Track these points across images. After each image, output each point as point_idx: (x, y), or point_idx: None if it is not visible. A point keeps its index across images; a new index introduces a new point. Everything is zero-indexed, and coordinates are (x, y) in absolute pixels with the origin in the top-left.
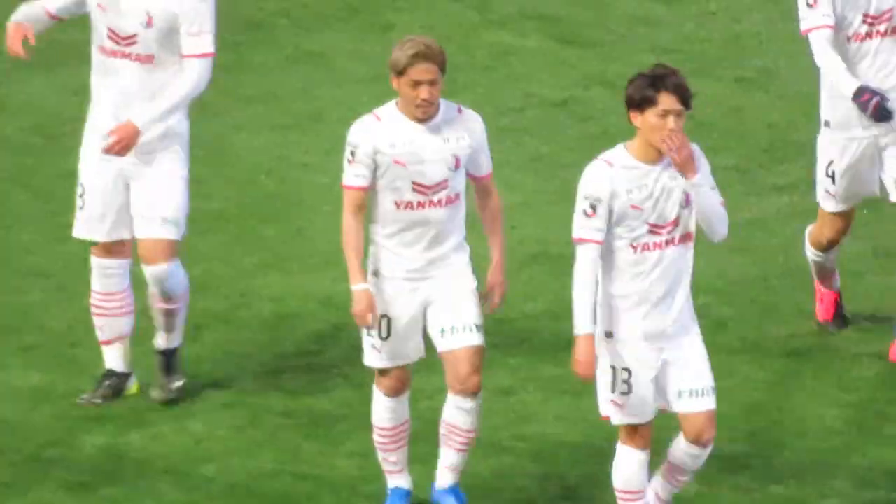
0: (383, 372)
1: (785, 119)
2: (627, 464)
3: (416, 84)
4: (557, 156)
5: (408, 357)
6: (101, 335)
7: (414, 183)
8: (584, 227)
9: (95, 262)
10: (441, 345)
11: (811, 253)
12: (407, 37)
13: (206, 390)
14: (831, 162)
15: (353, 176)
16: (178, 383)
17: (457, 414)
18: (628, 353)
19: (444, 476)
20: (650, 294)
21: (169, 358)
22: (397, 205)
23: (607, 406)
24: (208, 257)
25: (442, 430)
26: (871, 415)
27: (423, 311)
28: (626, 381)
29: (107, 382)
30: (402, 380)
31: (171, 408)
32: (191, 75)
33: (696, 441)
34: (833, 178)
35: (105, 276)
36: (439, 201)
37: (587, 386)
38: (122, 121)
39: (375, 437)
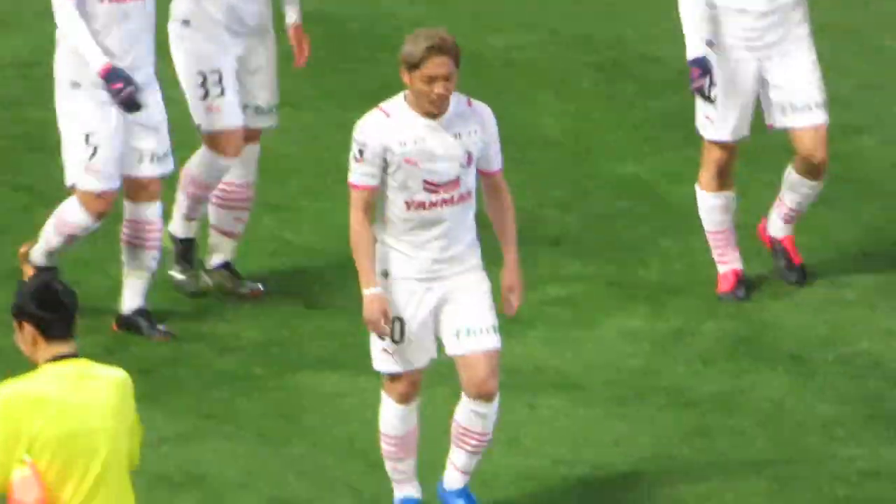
0: (395, 378)
1: None
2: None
3: (431, 79)
4: None
5: (421, 360)
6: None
7: (425, 182)
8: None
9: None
10: (455, 348)
11: (703, 200)
12: (418, 30)
13: None
14: (713, 84)
15: (361, 175)
16: None
17: (472, 418)
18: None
19: (454, 477)
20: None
21: None
22: (408, 204)
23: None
24: None
25: (454, 431)
26: (591, 127)
27: (436, 311)
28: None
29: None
30: (414, 385)
31: None
32: None
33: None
34: (714, 101)
35: None
36: (451, 199)
37: None
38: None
39: (384, 446)
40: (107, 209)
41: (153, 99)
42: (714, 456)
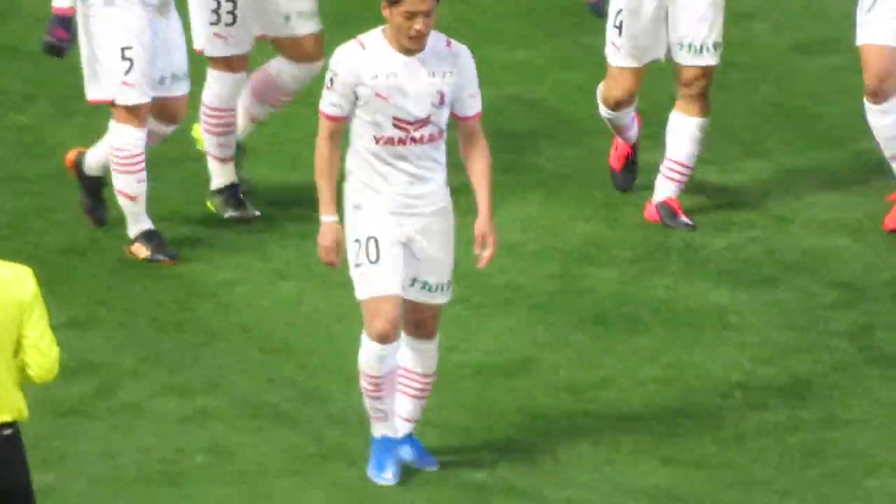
0: (374, 313)
1: None
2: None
3: (411, 15)
4: None
5: (396, 285)
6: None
7: (395, 118)
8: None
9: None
10: (411, 293)
11: (603, 111)
12: None
13: None
14: (619, 11)
15: (330, 104)
16: None
17: (413, 356)
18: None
19: (399, 425)
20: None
21: None
22: (377, 140)
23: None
24: None
25: (399, 378)
26: (482, 13)
27: (406, 244)
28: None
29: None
30: (392, 323)
31: None
32: None
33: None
34: (620, 28)
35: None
36: (421, 138)
37: None
38: None
39: (363, 384)
40: (144, 120)
41: (175, 18)
42: (609, 343)
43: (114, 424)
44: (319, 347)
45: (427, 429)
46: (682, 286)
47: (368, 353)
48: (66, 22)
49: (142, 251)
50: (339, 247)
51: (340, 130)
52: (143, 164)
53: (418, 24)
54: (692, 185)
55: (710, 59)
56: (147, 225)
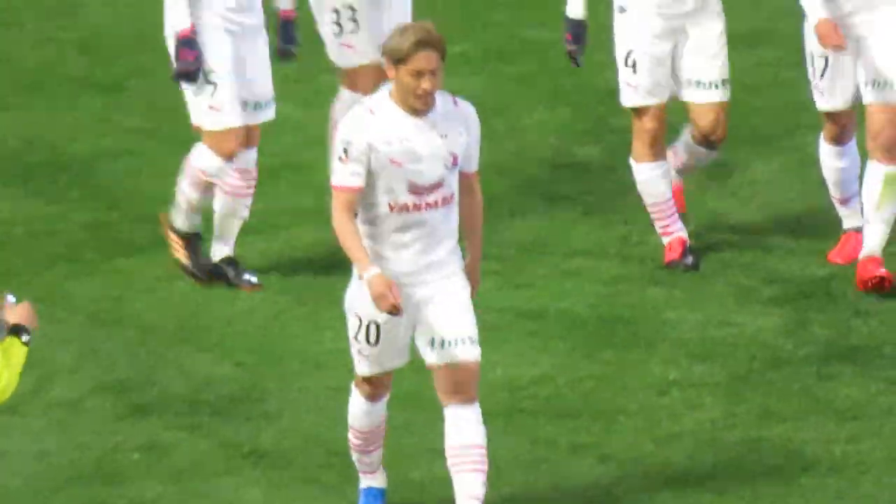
0: (367, 378)
1: None
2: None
3: (419, 74)
4: None
5: (395, 363)
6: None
7: (410, 182)
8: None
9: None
10: (433, 357)
11: (644, 175)
12: (405, 24)
13: None
14: (630, 52)
15: (349, 175)
16: None
17: (461, 428)
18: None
19: None
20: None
21: None
22: (391, 207)
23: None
24: None
25: (451, 459)
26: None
27: (414, 317)
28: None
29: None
30: (384, 385)
31: None
32: None
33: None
34: (634, 68)
35: None
36: (435, 202)
37: None
38: None
39: (351, 438)
40: (236, 146)
41: (262, 43)
42: (546, 340)
43: (49, 421)
44: (256, 345)
45: None
46: (620, 283)
47: (356, 407)
48: (191, 42)
49: (179, 251)
50: (393, 289)
51: (357, 202)
52: (206, 197)
53: (426, 84)
54: (629, 181)
55: (721, 95)
56: (195, 229)
